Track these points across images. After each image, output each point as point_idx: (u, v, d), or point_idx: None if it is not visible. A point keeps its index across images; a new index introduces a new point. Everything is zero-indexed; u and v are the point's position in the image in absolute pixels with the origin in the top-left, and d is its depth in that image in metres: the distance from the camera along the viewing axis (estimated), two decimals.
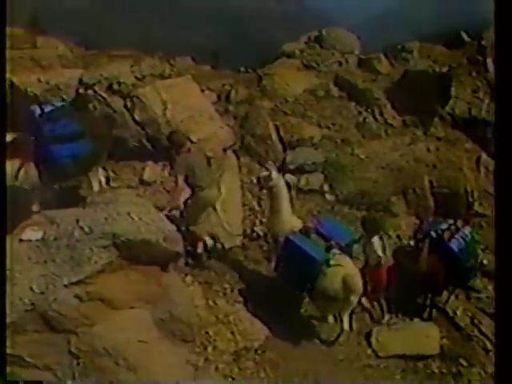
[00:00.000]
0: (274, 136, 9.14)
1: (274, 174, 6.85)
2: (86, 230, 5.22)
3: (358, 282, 6.27)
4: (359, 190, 8.69)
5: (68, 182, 6.93)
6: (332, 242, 6.43)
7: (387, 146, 9.33)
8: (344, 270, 6.26)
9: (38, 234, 5.22)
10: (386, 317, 7.14)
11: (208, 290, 6.69)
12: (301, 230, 6.58)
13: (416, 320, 7.22)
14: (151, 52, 11.20)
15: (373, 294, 6.90)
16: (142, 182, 8.06)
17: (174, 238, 5.77)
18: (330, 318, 6.70)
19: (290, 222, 6.79)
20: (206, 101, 9.36)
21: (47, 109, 6.46)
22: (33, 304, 4.78)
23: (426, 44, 11.49)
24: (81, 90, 8.63)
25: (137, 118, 8.30)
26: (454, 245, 6.94)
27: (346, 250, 6.56)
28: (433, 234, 7.03)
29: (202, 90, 9.61)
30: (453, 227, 7.12)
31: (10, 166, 6.00)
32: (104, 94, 8.42)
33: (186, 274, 6.62)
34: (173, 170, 7.01)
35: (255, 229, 7.89)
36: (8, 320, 4.67)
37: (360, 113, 9.89)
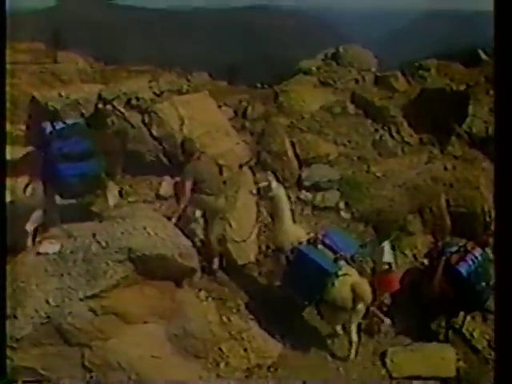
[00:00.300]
0: (290, 153, 9.13)
1: (274, 183, 6.88)
2: (103, 244, 5.25)
3: (366, 290, 6.30)
4: (375, 208, 8.62)
5: (78, 198, 6.94)
6: (341, 253, 6.40)
7: (404, 164, 9.27)
8: (352, 278, 6.29)
9: (56, 247, 5.27)
10: (387, 321, 7.08)
11: (222, 306, 6.65)
12: (308, 241, 6.56)
13: (432, 342, 7.12)
14: (169, 67, 11.34)
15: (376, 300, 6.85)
16: (158, 196, 8.08)
17: (190, 253, 5.79)
18: (339, 329, 6.69)
19: (294, 231, 6.78)
20: (223, 117, 9.41)
21: (58, 126, 6.39)
22: (48, 317, 4.81)
23: (444, 62, 11.44)
24: (100, 105, 8.73)
25: (154, 133, 8.36)
26: (463, 268, 6.81)
27: (351, 262, 6.54)
28: (443, 257, 6.95)
29: (219, 106, 9.67)
30: (462, 250, 7.02)
31: (18, 182, 6.05)
32: (122, 109, 8.51)
33: (200, 290, 6.61)
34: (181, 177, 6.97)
35: (270, 245, 7.86)
36: (23, 332, 4.71)
37: (376, 130, 9.86)
